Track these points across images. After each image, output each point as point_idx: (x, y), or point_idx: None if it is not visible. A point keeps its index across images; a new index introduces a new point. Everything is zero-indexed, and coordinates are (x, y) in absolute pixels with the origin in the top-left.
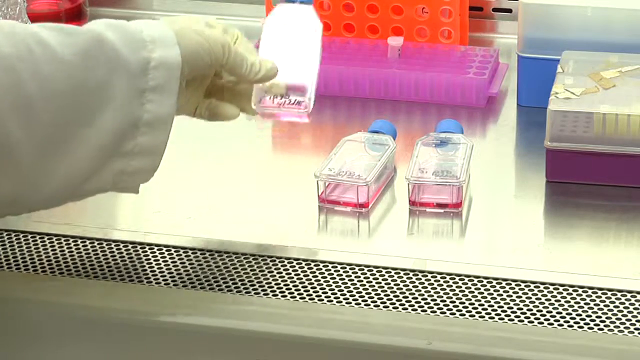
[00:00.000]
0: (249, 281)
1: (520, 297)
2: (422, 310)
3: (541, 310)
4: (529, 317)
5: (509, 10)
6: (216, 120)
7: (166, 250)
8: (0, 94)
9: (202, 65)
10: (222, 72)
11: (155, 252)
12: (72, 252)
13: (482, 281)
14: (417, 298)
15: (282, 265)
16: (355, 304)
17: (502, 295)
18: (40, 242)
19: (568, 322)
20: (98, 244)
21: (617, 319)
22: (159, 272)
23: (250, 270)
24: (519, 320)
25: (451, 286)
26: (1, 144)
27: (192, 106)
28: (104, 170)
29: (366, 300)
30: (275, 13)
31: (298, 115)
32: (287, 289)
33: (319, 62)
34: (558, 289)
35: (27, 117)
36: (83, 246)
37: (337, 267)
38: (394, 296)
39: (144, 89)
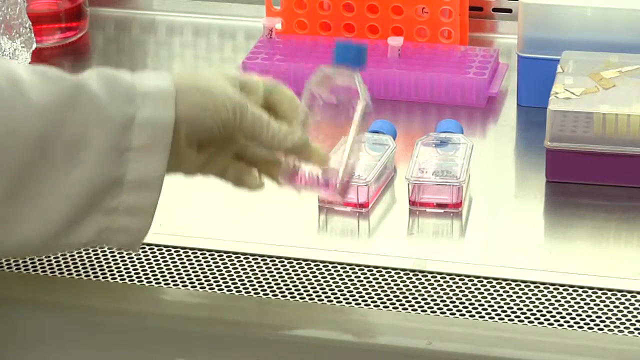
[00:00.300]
0: (248, 281)
1: (520, 297)
2: (422, 310)
3: (541, 310)
4: (529, 317)
5: (509, 10)
6: (241, 187)
7: (166, 251)
8: None
9: (205, 128)
10: None
11: (155, 252)
12: (72, 252)
13: (482, 281)
14: (417, 298)
15: (282, 265)
16: (355, 304)
17: (502, 295)
18: None
19: (568, 322)
20: None
21: (617, 319)
22: (159, 272)
23: (250, 270)
24: (519, 320)
25: (451, 286)
26: None
27: (217, 169)
28: (84, 224)
29: (366, 300)
30: (317, 77)
31: (328, 194)
32: (287, 289)
33: (355, 138)
34: (558, 289)
35: None
36: None
37: (337, 267)
38: (394, 296)
39: (126, 147)
